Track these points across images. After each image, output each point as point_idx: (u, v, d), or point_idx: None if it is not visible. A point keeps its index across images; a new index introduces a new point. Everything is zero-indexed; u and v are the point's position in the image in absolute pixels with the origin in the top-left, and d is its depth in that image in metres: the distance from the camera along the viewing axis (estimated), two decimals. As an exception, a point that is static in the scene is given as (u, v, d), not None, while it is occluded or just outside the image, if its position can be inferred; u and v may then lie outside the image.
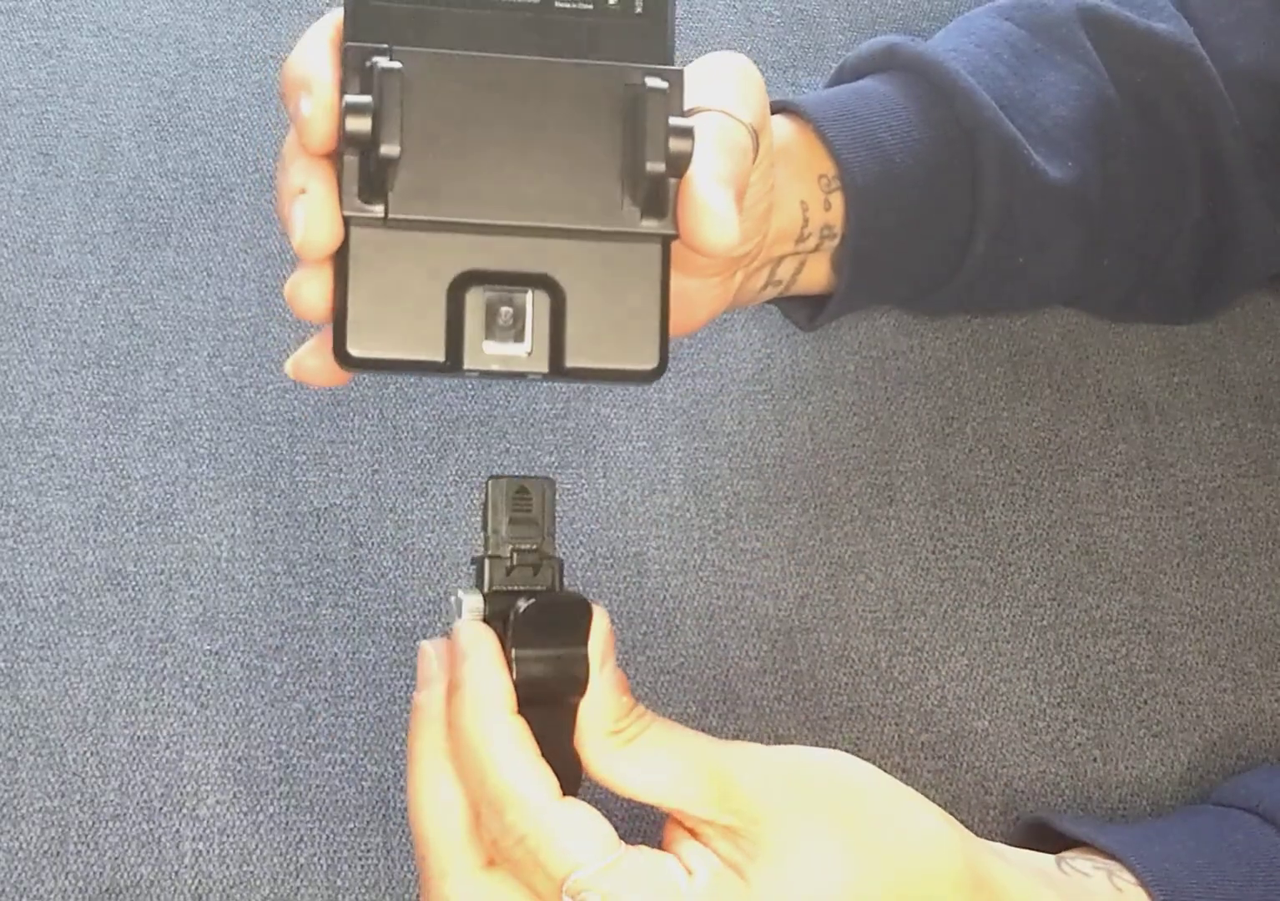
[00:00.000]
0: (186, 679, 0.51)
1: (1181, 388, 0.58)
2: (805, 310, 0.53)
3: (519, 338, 0.36)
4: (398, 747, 0.50)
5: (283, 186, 0.36)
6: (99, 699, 0.50)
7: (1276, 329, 0.59)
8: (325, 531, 0.53)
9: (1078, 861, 0.41)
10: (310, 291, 0.36)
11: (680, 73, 0.36)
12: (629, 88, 0.36)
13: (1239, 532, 0.55)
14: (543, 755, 0.37)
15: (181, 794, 0.49)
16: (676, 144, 0.35)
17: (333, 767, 0.49)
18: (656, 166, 0.35)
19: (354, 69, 0.35)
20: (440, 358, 0.36)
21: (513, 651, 0.37)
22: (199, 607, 0.52)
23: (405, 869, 0.48)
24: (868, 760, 0.39)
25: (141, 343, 0.57)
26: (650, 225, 0.36)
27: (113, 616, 0.52)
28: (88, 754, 0.49)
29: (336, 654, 0.51)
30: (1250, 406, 0.57)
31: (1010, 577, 0.54)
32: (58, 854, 0.48)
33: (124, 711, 0.50)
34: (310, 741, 0.50)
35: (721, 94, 0.39)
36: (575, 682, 0.37)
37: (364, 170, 0.35)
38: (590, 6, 0.37)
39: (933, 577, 0.53)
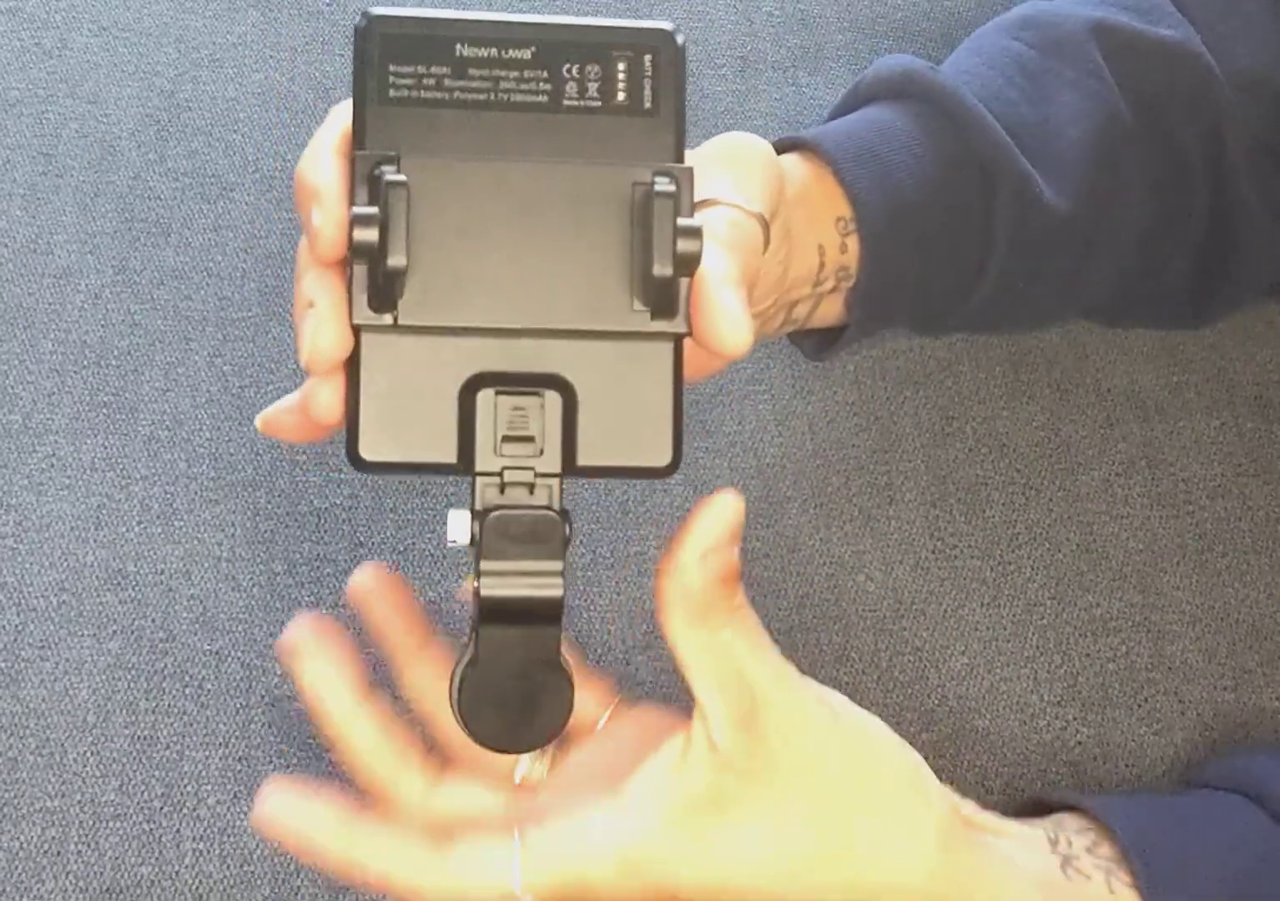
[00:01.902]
0: (186, 679, 0.51)
1: (1181, 387, 0.58)
2: (812, 339, 0.53)
3: (531, 438, 0.36)
4: (398, 747, 0.50)
5: (296, 296, 0.36)
6: (99, 699, 0.50)
7: (1276, 329, 0.59)
8: (325, 531, 0.53)
9: (1084, 861, 0.42)
10: (325, 398, 0.36)
11: (689, 170, 0.36)
12: (637, 187, 0.36)
13: (1239, 531, 0.55)
14: (504, 675, 0.37)
15: (182, 794, 0.49)
16: (685, 245, 0.35)
17: (333, 768, 0.49)
18: (665, 270, 0.35)
19: (362, 178, 0.35)
20: (453, 460, 0.36)
21: (480, 564, 0.36)
22: (199, 607, 0.52)
23: (405, 868, 0.48)
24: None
25: (141, 343, 0.57)
26: (661, 325, 0.36)
27: (113, 616, 0.52)
28: (88, 754, 0.49)
29: (337, 653, 0.51)
30: (1249, 406, 0.57)
31: (1010, 576, 0.54)
32: (58, 854, 0.48)
33: (124, 711, 0.50)
34: (310, 741, 0.50)
35: (733, 183, 0.39)
36: (546, 603, 0.36)
37: (373, 279, 0.35)
38: (599, 103, 0.37)
39: (933, 577, 0.53)
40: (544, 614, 0.36)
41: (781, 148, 0.49)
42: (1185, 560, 0.54)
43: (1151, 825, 0.43)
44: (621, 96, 0.37)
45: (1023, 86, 0.51)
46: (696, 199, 0.37)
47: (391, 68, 0.36)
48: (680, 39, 0.37)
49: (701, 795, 0.37)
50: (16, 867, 0.47)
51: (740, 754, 0.37)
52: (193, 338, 0.57)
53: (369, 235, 0.34)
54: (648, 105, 0.37)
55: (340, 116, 0.37)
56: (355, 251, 0.34)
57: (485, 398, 0.36)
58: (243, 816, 0.48)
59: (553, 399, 0.36)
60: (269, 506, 0.54)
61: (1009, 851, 0.41)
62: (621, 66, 0.37)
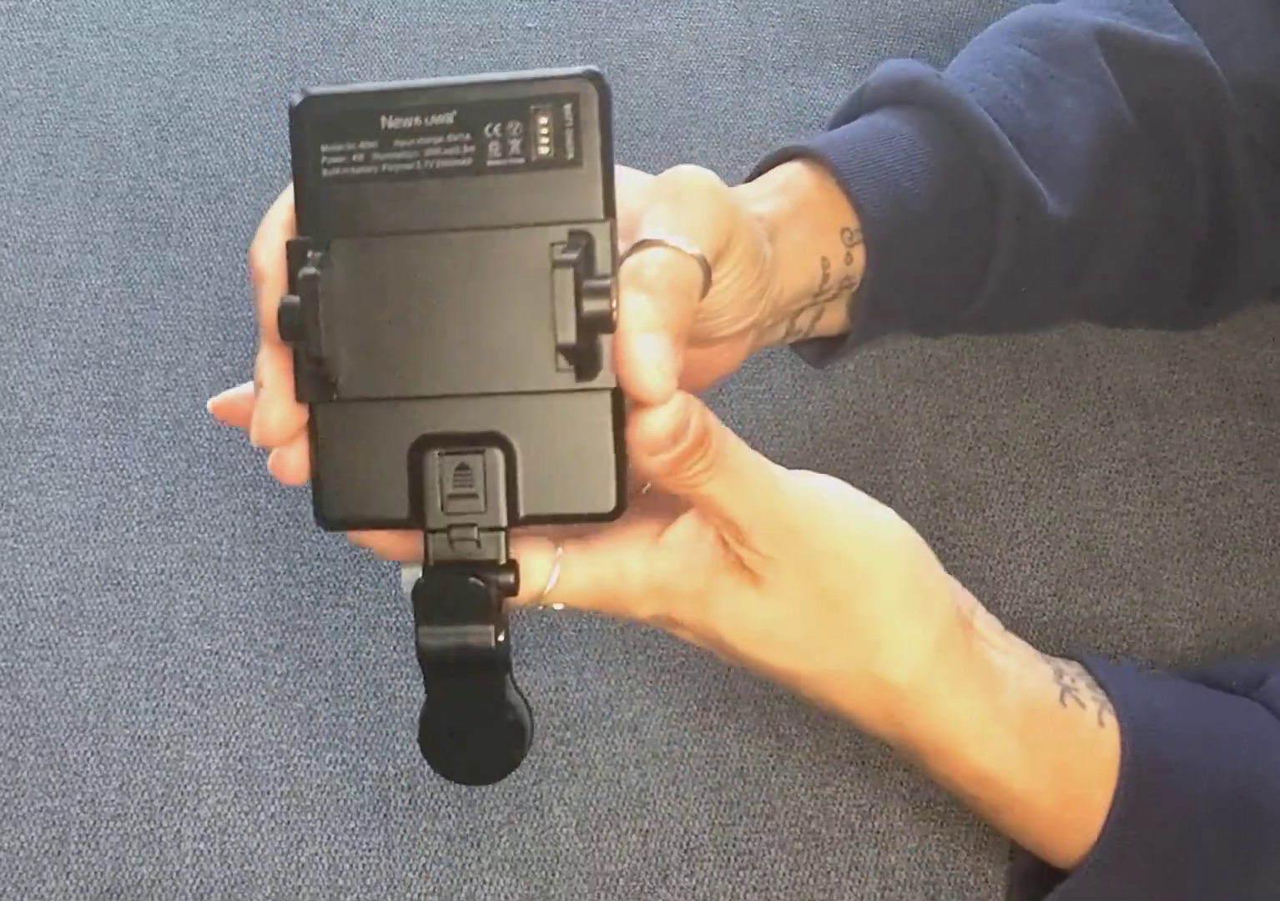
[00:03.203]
0: (186, 679, 0.51)
1: (1181, 385, 0.58)
2: (814, 347, 0.53)
3: (475, 494, 0.38)
4: (398, 747, 0.50)
5: (254, 371, 0.40)
6: (99, 698, 0.50)
7: (1276, 327, 0.59)
8: (325, 531, 0.53)
9: (1083, 693, 0.44)
10: (292, 463, 0.39)
11: (607, 224, 0.37)
12: (554, 247, 0.37)
13: (1239, 529, 0.55)
14: (457, 717, 0.40)
15: (182, 793, 0.49)
16: (591, 305, 0.36)
17: (333, 767, 0.49)
18: (567, 339, 0.36)
19: (295, 264, 0.38)
20: (405, 516, 0.39)
21: (416, 626, 0.39)
22: (199, 607, 0.52)
23: (406, 868, 0.48)
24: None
25: (141, 343, 0.57)
26: (587, 383, 0.37)
27: (113, 616, 0.52)
28: (88, 753, 0.49)
29: (336, 654, 0.51)
30: (1250, 404, 0.57)
31: (1011, 574, 0.53)
32: (58, 854, 0.48)
33: (124, 711, 0.50)
34: (310, 741, 0.50)
35: (674, 223, 0.39)
36: (480, 654, 0.38)
37: (310, 366, 0.38)
38: (522, 160, 0.37)
39: (933, 576, 0.53)
40: (481, 663, 0.39)
41: (784, 156, 0.49)
42: (1185, 558, 0.54)
43: (1138, 679, 0.46)
44: (544, 150, 0.37)
45: (1027, 93, 0.51)
46: (640, 237, 0.38)
47: (324, 148, 0.38)
48: (602, 83, 0.37)
49: (724, 564, 0.41)
50: (16, 867, 0.47)
51: (748, 555, 0.40)
52: (193, 338, 0.57)
53: (292, 323, 0.36)
54: (571, 155, 0.37)
55: (288, 194, 0.39)
56: (283, 336, 0.37)
57: (431, 458, 0.38)
58: (243, 816, 0.49)
59: (494, 455, 0.38)
60: (269, 506, 0.54)
61: (1005, 666, 0.43)
62: (542, 120, 0.37)
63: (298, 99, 0.38)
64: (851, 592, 0.41)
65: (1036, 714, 0.43)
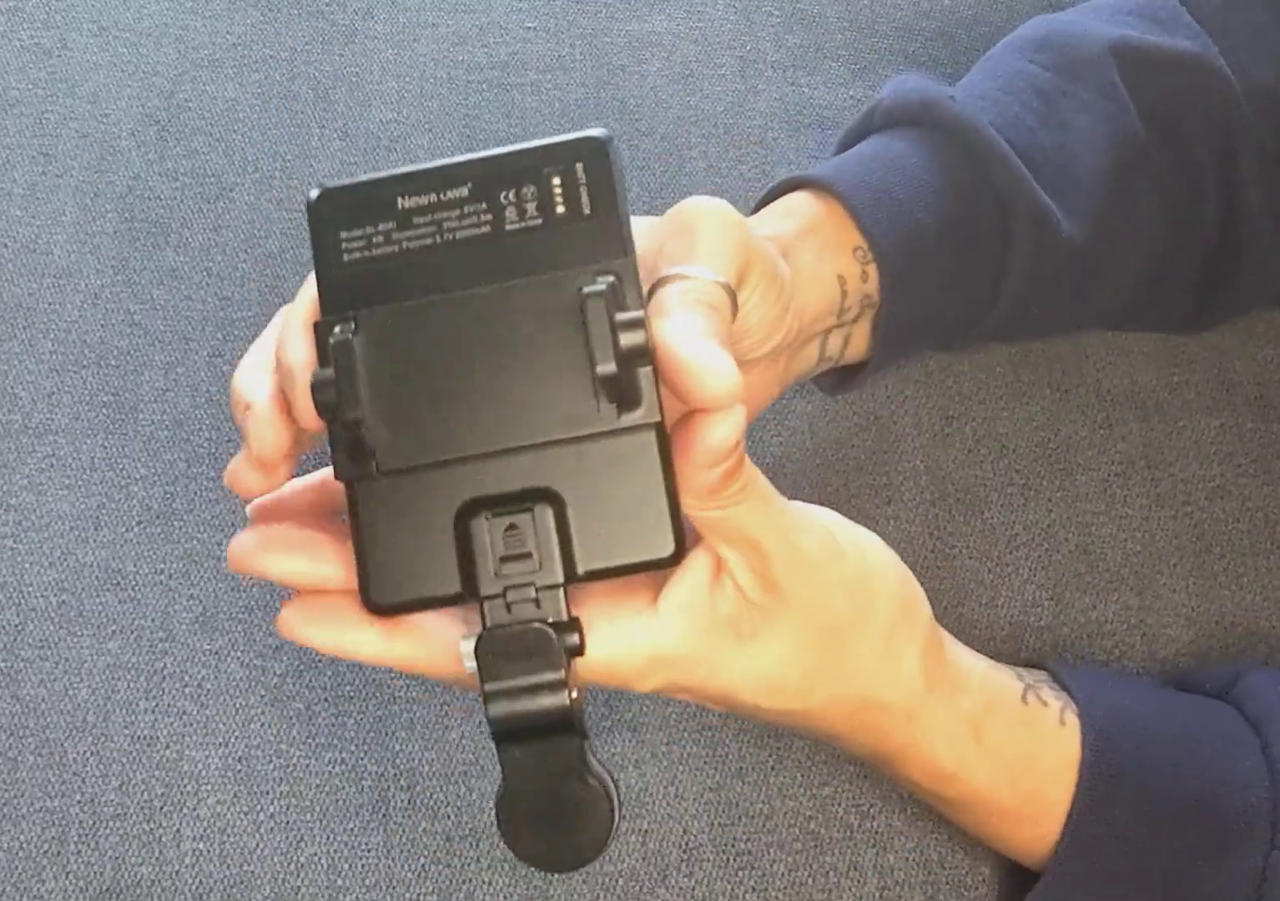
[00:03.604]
0: (186, 679, 0.51)
1: (1181, 387, 0.58)
2: (832, 376, 0.53)
3: (529, 554, 0.37)
4: (398, 747, 0.50)
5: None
6: (99, 698, 0.50)
7: (1276, 329, 0.59)
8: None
9: (1045, 691, 0.45)
10: (249, 482, 0.38)
11: (630, 262, 0.37)
12: (581, 290, 0.36)
13: (1237, 532, 0.55)
14: (535, 794, 0.37)
15: (182, 793, 0.49)
16: (626, 338, 0.35)
17: (333, 767, 0.49)
18: (607, 367, 0.35)
19: (322, 343, 0.37)
20: (457, 590, 0.37)
21: (483, 686, 0.37)
22: (199, 607, 0.52)
23: (405, 868, 0.48)
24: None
25: (141, 343, 0.57)
26: (630, 419, 0.36)
27: (113, 616, 0.52)
28: (88, 753, 0.49)
29: (336, 653, 0.51)
30: (1250, 406, 0.57)
31: (1008, 578, 0.53)
32: (58, 854, 0.48)
33: (124, 711, 0.50)
34: (310, 741, 0.50)
35: (693, 254, 0.39)
36: (553, 714, 0.36)
37: (345, 434, 0.37)
38: (540, 220, 0.38)
39: (931, 576, 0.53)
40: (556, 726, 0.37)
41: (792, 185, 0.50)
42: (1183, 562, 0.54)
43: (1103, 682, 0.47)
44: (560, 209, 0.38)
45: (1039, 111, 0.51)
46: (662, 274, 0.38)
47: (343, 234, 0.38)
48: (610, 141, 0.38)
49: (725, 623, 0.39)
50: (16, 867, 0.48)
51: (758, 595, 0.39)
52: (193, 338, 0.57)
53: (327, 397, 0.36)
54: (587, 211, 0.38)
55: (307, 290, 0.39)
56: (321, 413, 0.36)
57: (478, 522, 0.37)
58: (243, 816, 0.49)
59: (543, 511, 0.37)
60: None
61: (973, 663, 0.44)
62: (556, 181, 0.38)
63: (314, 193, 0.39)
64: (851, 623, 0.41)
65: (997, 710, 0.44)
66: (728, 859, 0.48)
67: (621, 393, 0.36)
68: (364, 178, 0.39)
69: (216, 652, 0.51)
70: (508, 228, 0.38)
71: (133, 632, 0.51)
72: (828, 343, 0.49)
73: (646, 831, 0.49)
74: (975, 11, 0.66)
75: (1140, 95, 0.51)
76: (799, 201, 0.49)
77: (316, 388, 0.36)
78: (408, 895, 0.48)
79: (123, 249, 0.59)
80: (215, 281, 0.59)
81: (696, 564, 0.39)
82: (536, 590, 0.37)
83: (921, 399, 0.57)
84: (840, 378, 0.53)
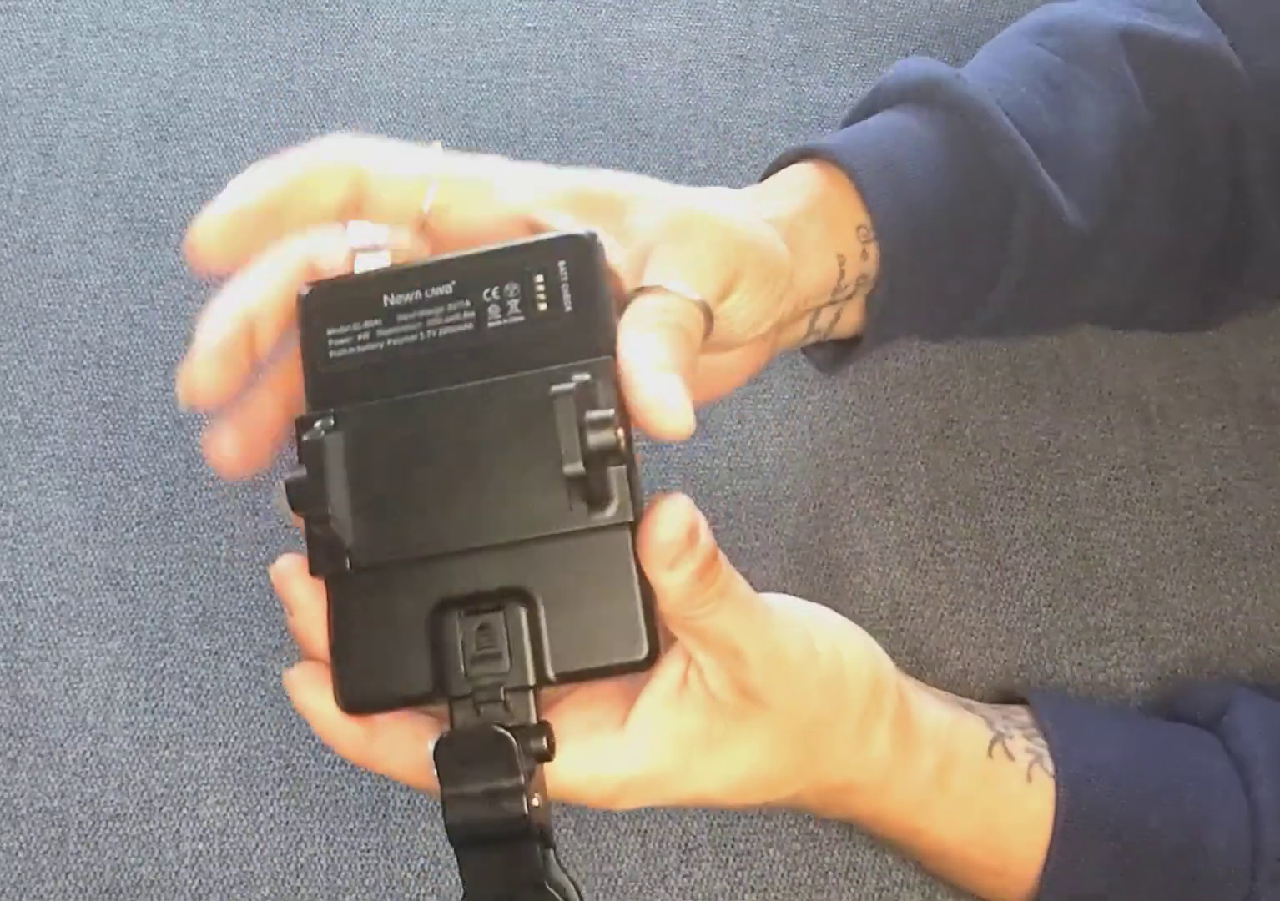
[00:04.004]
0: (186, 679, 0.51)
1: (1183, 389, 0.58)
2: (825, 352, 0.53)
3: (498, 655, 0.36)
4: (397, 748, 0.50)
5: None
6: (99, 698, 0.50)
7: (1278, 330, 0.59)
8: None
9: (1016, 743, 0.44)
10: (203, 376, 0.39)
11: (605, 361, 0.37)
12: (550, 386, 0.36)
13: (1237, 536, 0.55)
14: (493, 897, 0.36)
15: (181, 794, 0.49)
16: (595, 438, 0.35)
17: (333, 767, 0.49)
18: (575, 467, 0.35)
19: (299, 441, 0.38)
20: (428, 690, 0.37)
21: (441, 790, 0.36)
22: (199, 608, 0.52)
23: (405, 869, 0.48)
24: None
25: (141, 342, 0.57)
26: (601, 518, 0.36)
27: (113, 616, 0.52)
28: (88, 753, 0.49)
29: (336, 654, 0.51)
30: (1252, 408, 0.57)
31: (1008, 582, 0.53)
32: (58, 854, 0.48)
33: (124, 711, 0.50)
34: (310, 741, 0.50)
35: (678, 267, 0.39)
36: (509, 823, 0.35)
37: (323, 532, 0.37)
38: (522, 317, 0.38)
39: (930, 580, 0.53)
40: (515, 833, 0.36)
41: (798, 155, 0.49)
42: (1183, 566, 0.54)
43: (1085, 723, 0.46)
44: (542, 306, 0.38)
45: (1047, 95, 0.50)
46: (642, 282, 0.38)
47: (329, 332, 0.39)
48: (593, 239, 0.38)
49: (695, 734, 0.39)
50: (16, 867, 0.48)
51: (730, 700, 0.39)
52: (192, 338, 0.57)
53: (298, 496, 0.36)
54: (569, 309, 0.38)
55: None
56: (294, 511, 0.36)
57: (450, 621, 0.36)
58: (243, 816, 0.49)
59: (515, 611, 0.36)
60: (268, 506, 0.54)
61: (938, 721, 0.43)
62: (539, 279, 0.38)
63: (305, 290, 0.39)
64: (826, 721, 0.40)
65: (960, 764, 0.43)
66: (726, 859, 0.49)
67: (591, 492, 0.36)
68: (353, 275, 0.39)
69: (216, 653, 0.51)
70: (490, 325, 0.38)
71: (133, 632, 0.51)
72: (818, 318, 0.49)
73: (645, 831, 0.49)
74: (973, 10, 0.66)
75: (1148, 83, 0.50)
76: (805, 176, 0.48)
77: (290, 486, 0.36)
78: (407, 896, 0.48)
79: (122, 249, 0.59)
80: (215, 281, 0.58)
81: (666, 675, 0.39)
82: (505, 692, 0.36)
83: (922, 401, 0.57)
84: (833, 354, 0.52)
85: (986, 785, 0.43)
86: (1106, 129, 0.49)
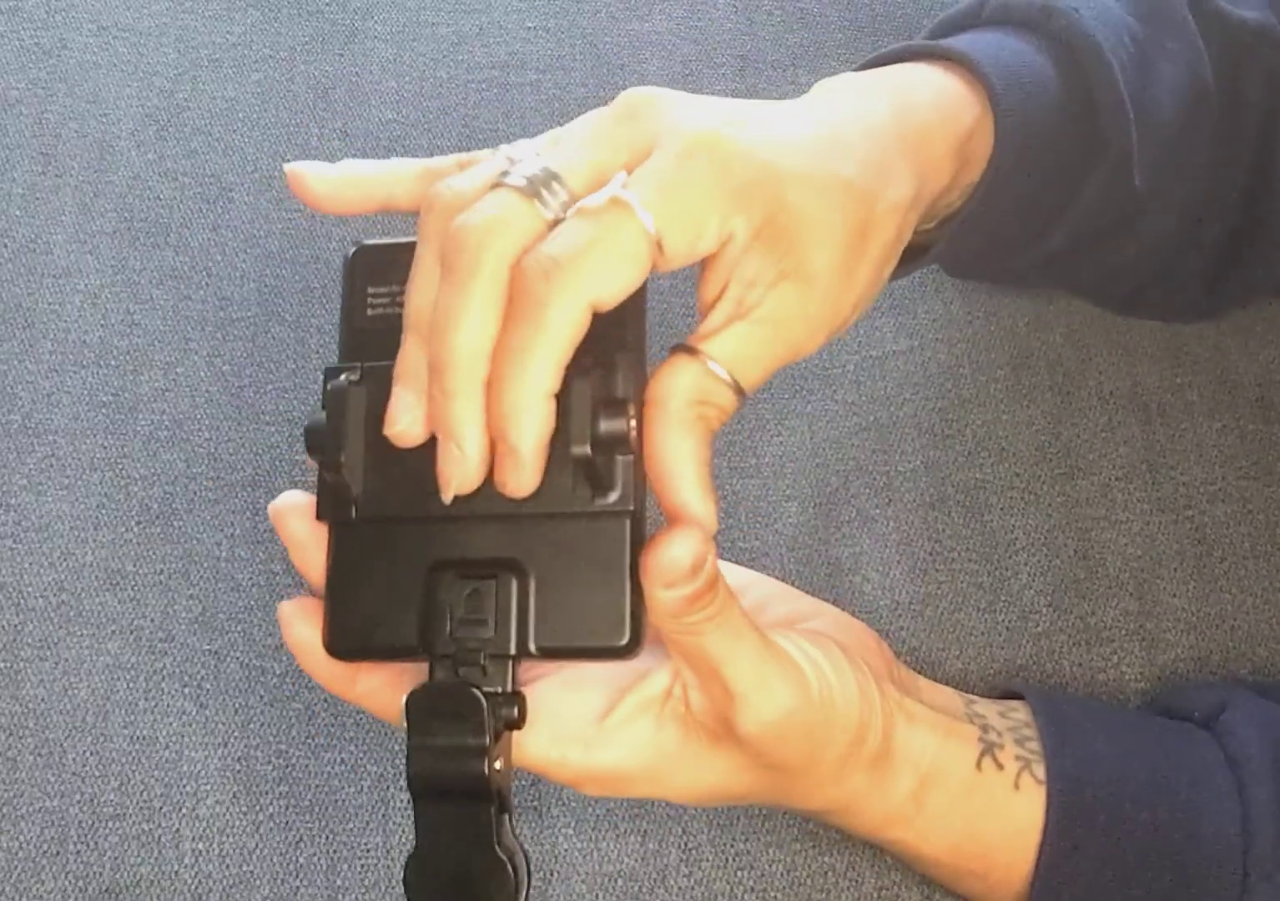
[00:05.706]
0: (186, 679, 0.51)
1: (1184, 388, 0.58)
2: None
3: (486, 622, 0.37)
4: (397, 747, 0.50)
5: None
6: (99, 699, 0.50)
7: (1278, 330, 0.59)
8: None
9: (1006, 752, 0.44)
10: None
11: (631, 356, 0.37)
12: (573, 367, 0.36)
13: (1238, 536, 0.55)
14: (445, 860, 0.37)
15: (181, 793, 0.49)
16: (607, 424, 0.35)
17: (333, 767, 0.49)
18: (581, 450, 0.35)
19: (325, 388, 0.39)
20: (414, 643, 0.37)
21: (408, 740, 0.37)
22: (198, 607, 0.52)
23: (404, 869, 0.48)
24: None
25: (141, 343, 0.57)
26: (603, 504, 0.36)
27: (113, 616, 0.52)
28: (88, 754, 0.49)
29: (335, 654, 0.51)
30: (1252, 407, 0.57)
31: (1007, 582, 0.53)
32: (58, 854, 0.48)
33: (124, 711, 0.50)
34: (310, 741, 0.50)
35: (666, 201, 0.37)
36: (470, 780, 0.36)
37: (334, 478, 0.38)
38: None
39: (930, 580, 0.53)
40: (473, 792, 0.36)
41: (921, 52, 0.46)
42: (1183, 566, 0.54)
43: (1080, 723, 0.45)
44: None
45: (1134, 54, 0.48)
46: (690, 342, 0.37)
47: (370, 290, 0.40)
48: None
49: (668, 746, 0.39)
50: (16, 867, 0.48)
51: (709, 723, 0.39)
52: (192, 338, 0.57)
53: (316, 440, 0.37)
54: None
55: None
56: (310, 454, 0.37)
57: (444, 581, 0.37)
58: (243, 816, 0.49)
59: (507, 582, 0.37)
60: (268, 506, 0.54)
61: (923, 745, 0.43)
62: None
63: (352, 250, 0.40)
64: (801, 767, 0.40)
65: (942, 783, 0.43)
66: (726, 859, 0.49)
67: (597, 476, 0.36)
68: (400, 239, 0.40)
69: (216, 653, 0.51)
70: None
71: (132, 632, 0.51)
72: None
73: (646, 831, 0.49)
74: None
75: (1211, 55, 0.49)
76: (927, 73, 0.45)
77: (308, 430, 0.37)
78: (407, 896, 0.48)
79: (122, 249, 0.59)
80: (214, 281, 0.59)
81: (653, 682, 0.39)
82: (486, 657, 0.37)
83: (922, 400, 0.57)
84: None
85: (971, 797, 0.43)
86: (1178, 91, 0.48)
